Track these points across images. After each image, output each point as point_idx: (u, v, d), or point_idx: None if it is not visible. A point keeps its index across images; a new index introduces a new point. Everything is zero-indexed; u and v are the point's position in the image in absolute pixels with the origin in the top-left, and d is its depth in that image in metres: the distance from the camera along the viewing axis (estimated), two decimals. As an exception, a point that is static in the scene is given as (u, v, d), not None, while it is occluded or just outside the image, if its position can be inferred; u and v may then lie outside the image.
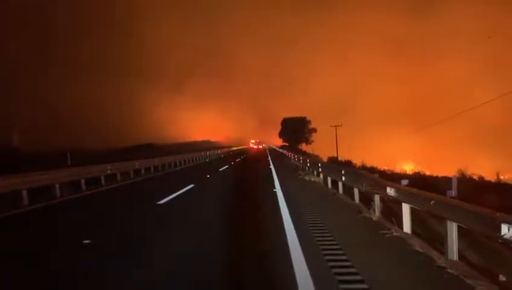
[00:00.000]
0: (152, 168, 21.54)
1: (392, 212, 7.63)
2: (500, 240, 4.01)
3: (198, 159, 35.01)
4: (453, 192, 5.72)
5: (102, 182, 15.01)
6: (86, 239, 6.02)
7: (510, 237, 3.80)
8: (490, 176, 20.49)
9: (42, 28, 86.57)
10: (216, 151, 49.94)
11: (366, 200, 8.98)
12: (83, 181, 13.60)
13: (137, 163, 19.74)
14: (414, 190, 6.25)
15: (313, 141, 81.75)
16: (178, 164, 27.48)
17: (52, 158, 23.07)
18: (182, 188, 12.56)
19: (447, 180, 10.78)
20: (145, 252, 5.42)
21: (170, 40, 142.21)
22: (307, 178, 16.20)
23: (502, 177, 21.45)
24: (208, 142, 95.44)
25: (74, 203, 10.89)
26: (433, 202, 5.41)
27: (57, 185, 11.81)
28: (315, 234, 6.14)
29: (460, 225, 4.83)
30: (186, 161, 30.52)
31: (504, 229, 3.86)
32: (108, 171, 15.83)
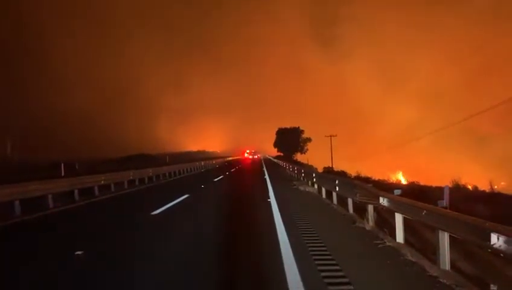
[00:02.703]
0: (146, 179, 21.45)
1: (385, 222, 7.67)
2: (490, 250, 4.05)
3: (193, 169, 34.92)
4: (445, 202, 5.77)
5: (96, 192, 14.93)
6: (79, 250, 5.98)
7: (499, 246, 3.84)
8: (484, 186, 20.65)
9: (35, 34, 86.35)
10: (211, 162, 49.86)
11: (360, 210, 9.02)
12: (76, 191, 13.52)
13: (131, 173, 19.66)
14: (406, 200, 6.30)
15: (307, 150, 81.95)
16: (173, 174, 27.40)
17: (45, 168, 22.94)
18: (177, 199, 12.53)
19: (440, 190, 10.86)
20: (138, 263, 5.40)
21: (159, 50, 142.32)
22: (301, 188, 16.23)
23: (495, 187, 21.60)
24: (203, 152, 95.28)
25: (67, 214, 10.81)
26: (425, 212, 5.46)
27: (50, 196, 11.73)
28: (308, 244, 6.15)
29: (452, 234, 4.88)
30: (181, 171, 30.44)
31: (494, 238, 3.90)
32: (102, 182, 15.75)
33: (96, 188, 15.06)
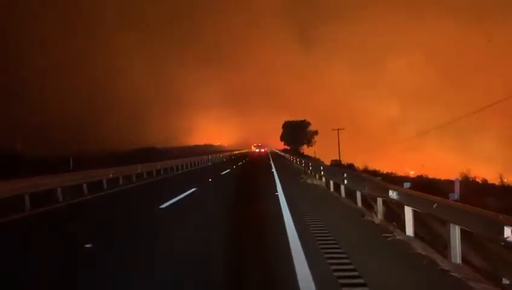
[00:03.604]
0: (154, 172, 21.55)
1: (394, 215, 7.61)
2: (503, 243, 3.99)
3: (200, 163, 35.03)
4: (456, 195, 5.69)
5: (105, 186, 15.03)
6: (88, 243, 6.02)
7: (513, 239, 3.77)
8: (493, 179, 20.41)
9: (45, 32, 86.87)
10: (218, 155, 49.95)
11: (369, 203, 8.96)
12: (85, 185, 13.61)
13: (139, 167, 19.75)
14: (416, 193, 6.23)
15: (315, 142, 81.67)
16: (180, 167, 27.50)
17: (54, 162, 23.12)
18: (184, 192, 12.56)
19: (450, 183, 10.74)
20: (147, 254, 5.41)
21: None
22: (309, 181, 16.19)
23: (505, 180, 21.35)
24: (210, 146, 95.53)
25: (76, 207, 10.90)
26: (435, 204, 5.39)
27: (59, 189, 11.83)
28: (317, 237, 6.12)
29: (463, 227, 4.81)
30: (189, 164, 30.54)
31: (507, 231, 3.84)
32: (110, 175, 15.85)
33: (104, 182, 15.17)
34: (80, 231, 7.47)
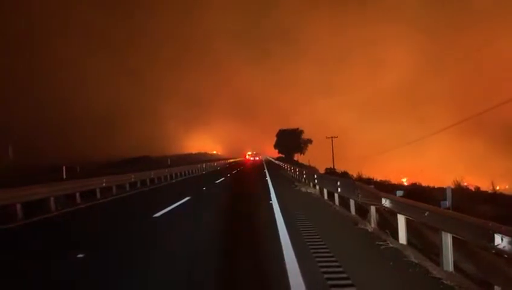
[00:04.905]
0: (148, 181, 21.45)
1: (388, 223, 7.65)
2: (493, 251, 4.03)
3: (194, 172, 34.92)
4: (448, 203, 5.75)
5: (98, 195, 14.93)
6: (80, 253, 5.97)
7: (503, 247, 3.82)
8: (486, 187, 20.58)
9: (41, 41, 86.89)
10: (213, 164, 49.83)
11: (363, 211, 8.99)
12: (77, 194, 13.52)
13: (132, 176, 19.66)
14: (409, 201, 6.28)
15: (306, 150, 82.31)
16: (174, 176, 27.40)
17: (47, 171, 22.94)
18: (178, 201, 12.51)
19: (442, 191, 10.82)
20: (139, 265, 5.39)
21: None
22: (303, 189, 16.21)
23: (497, 187, 21.53)
24: (204, 154, 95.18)
25: (69, 216, 10.81)
26: (427, 213, 5.44)
27: (52, 199, 11.73)
28: (310, 246, 6.13)
29: (455, 235, 4.86)
30: (183, 173, 30.45)
31: (497, 239, 3.88)
32: (104, 184, 15.76)
33: (98, 191, 15.07)
34: (72, 240, 7.41)
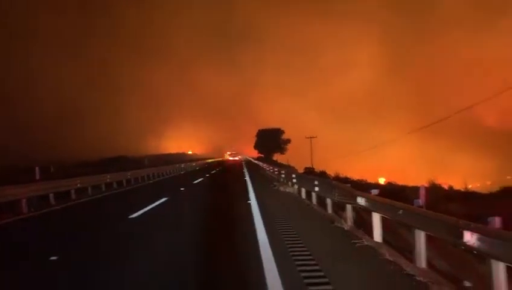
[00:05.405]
0: (124, 182, 21.10)
1: (364, 221, 7.77)
2: (463, 247, 4.15)
3: (173, 172, 34.56)
4: (421, 201, 5.88)
5: (73, 196, 14.59)
6: (53, 255, 5.82)
7: (472, 243, 3.94)
8: (459, 186, 21.23)
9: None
10: (191, 164, 49.44)
11: (340, 210, 9.11)
12: (51, 195, 13.17)
13: (108, 176, 19.31)
14: (383, 199, 6.40)
15: (286, 150, 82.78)
16: (152, 176, 27.05)
17: (19, 172, 22.25)
18: (155, 201, 12.35)
19: (417, 190, 11.08)
20: (114, 268, 5.29)
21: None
22: (281, 189, 16.29)
23: (469, 186, 22.23)
24: (182, 154, 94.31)
25: (42, 218, 10.52)
26: (401, 211, 5.55)
27: (24, 200, 11.39)
28: (288, 245, 6.17)
29: (428, 233, 4.98)
30: (160, 173, 30.10)
31: (467, 236, 4.00)
32: (78, 185, 15.41)
33: (72, 192, 14.72)
34: (45, 242, 7.21)
